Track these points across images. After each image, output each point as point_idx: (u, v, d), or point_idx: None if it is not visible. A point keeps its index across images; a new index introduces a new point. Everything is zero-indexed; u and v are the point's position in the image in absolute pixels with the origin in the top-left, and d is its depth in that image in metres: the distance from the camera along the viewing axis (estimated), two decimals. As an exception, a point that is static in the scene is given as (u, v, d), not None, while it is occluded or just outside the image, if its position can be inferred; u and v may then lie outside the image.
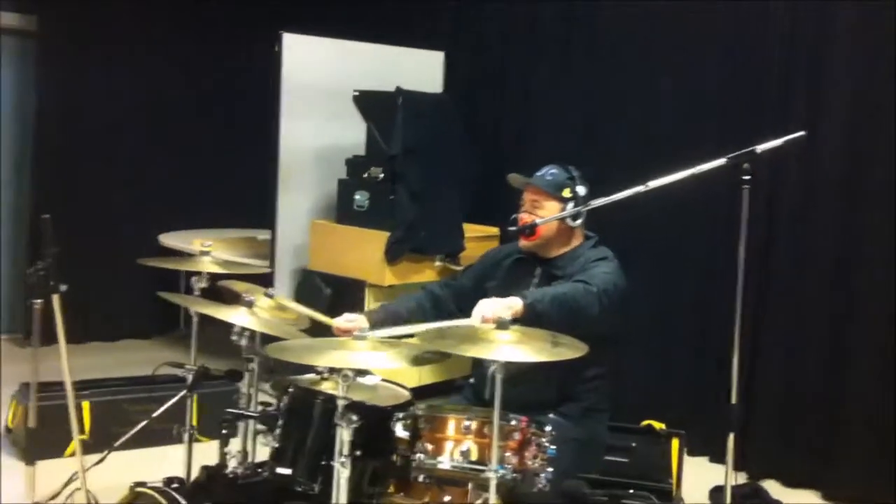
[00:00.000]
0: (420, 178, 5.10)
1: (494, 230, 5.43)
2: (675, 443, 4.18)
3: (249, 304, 2.93)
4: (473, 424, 2.46)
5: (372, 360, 2.39)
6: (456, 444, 2.45)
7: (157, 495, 2.60)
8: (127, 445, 3.64)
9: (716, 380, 4.37)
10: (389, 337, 2.55)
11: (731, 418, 3.06)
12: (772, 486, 4.58)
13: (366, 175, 5.18)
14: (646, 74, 5.25)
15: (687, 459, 4.55)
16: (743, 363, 4.12)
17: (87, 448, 4.34)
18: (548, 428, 2.56)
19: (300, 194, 5.57)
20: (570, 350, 2.36)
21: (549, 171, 3.19)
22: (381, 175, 5.12)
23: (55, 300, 2.41)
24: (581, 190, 3.15)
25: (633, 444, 4.20)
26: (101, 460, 2.98)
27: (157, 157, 6.73)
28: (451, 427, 2.48)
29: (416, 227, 5.09)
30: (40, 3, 6.27)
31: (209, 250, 3.27)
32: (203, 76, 6.80)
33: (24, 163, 6.56)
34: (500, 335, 2.35)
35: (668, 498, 3.91)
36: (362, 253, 5.16)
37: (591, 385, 3.11)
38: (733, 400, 3.05)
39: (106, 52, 6.48)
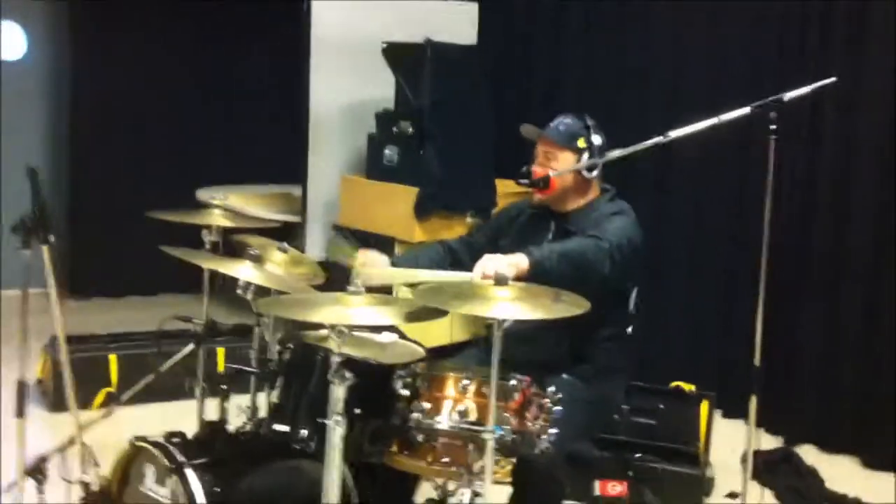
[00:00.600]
0: (449, 132, 4.98)
1: (530, 188, 5.29)
2: (704, 405, 4.07)
3: (255, 258, 2.86)
4: (472, 384, 2.37)
5: (365, 316, 2.31)
6: (454, 404, 2.36)
7: (153, 449, 2.56)
8: (146, 400, 3.61)
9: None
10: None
11: (753, 380, 2.94)
12: (809, 452, 4.45)
13: (395, 130, 5.09)
14: (677, 29, 5.06)
15: (722, 422, 4.45)
16: (780, 326, 4.06)
17: (114, 401, 4.40)
18: (551, 388, 2.45)
19: (331, 150, 5.51)
20: (571, 307, 2.25)
21: (562, 122, 3.05)
22: (410, 129, 5.02)
23: (45, 251, 2.36)
24: (596, 140, 3.01)
25: (661, 406, 4.10)
26: (106, 414, 2.95)
27: (193, 117, 6.72)
28: (449, 386, 2.39)
29: (446, 182, 4.98)
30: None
31: (219, 204, 3.20)
32: (235, 35, 6.75)
33: (62, 130, 6.62)
34: (498, 292, 2.24)
35: (694, 461, 3.80)
36: (391, 209, 5.08)
37: (605, 345, 2.99)
38: (756, 362, 2.93)
39: (142, 10, 6.46)
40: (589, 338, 2.95)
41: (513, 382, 2.37)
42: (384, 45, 5.12)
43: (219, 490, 2.49)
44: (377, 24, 5.37)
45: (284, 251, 3.25)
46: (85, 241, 6.50)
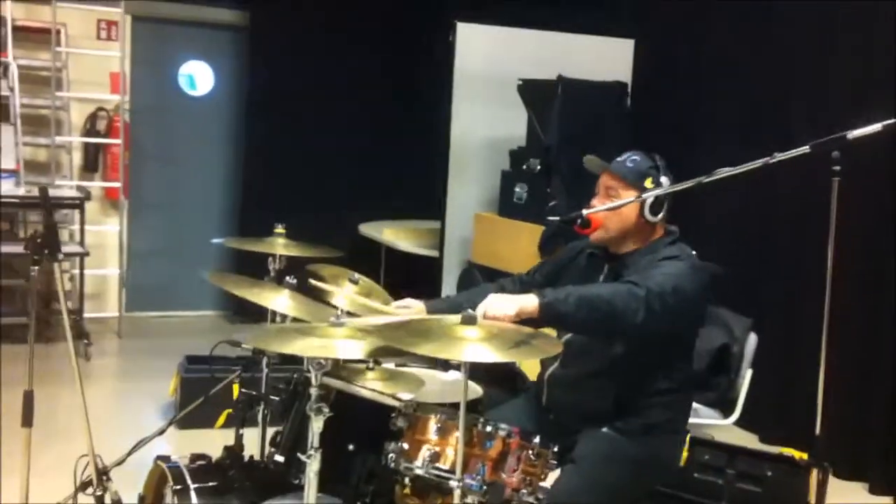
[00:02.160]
0: (576, 169, 4.82)
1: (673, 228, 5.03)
2: (813, 474, 3.66)
3: (291, 286, 2.88)
4: (445, 427, 2.25)
5: (340, 349, 2.26)
6: (430, 447, 2.26)
7: (164, 468, 2.63)
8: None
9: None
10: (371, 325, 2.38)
11: (814, 453, 2.61)
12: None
13: (524, 167, 5.01)
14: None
15: (840, 486, 4.03)
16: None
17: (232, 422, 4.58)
18: (535, 440, 2.28)
19: (469, 185, 5.51)
20: (536, 351, 2.09)
21: (631, 157, 2.86)
22: (538, 167, 4.92)
23: (56, 268, 2.49)
24: (664, 181, 2.80)
25: (769, 473, 3.74)
26: (160, 432, 3.05)
27: (351, 143, 6.92)
28: (429, 428, 2.29)
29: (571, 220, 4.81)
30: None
31: (282, 232, 3.27)
32: (389, 66, 6.92)
33: (238, 148, 7.01)
34: (465, 332, 2.12)
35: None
36: (519, 246, 4.99)
37: (657, 400, 2.75)
38: (817, 430, 2.60)
39: (305, 43, 6.79)
40: (638, 391, 2.74)
41: (488, 429, 2.23)
42: (519, 83, 5.07)
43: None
44: (528, 59, 5.33)
45: (355, 282, 3.27)
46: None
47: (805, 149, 2.52)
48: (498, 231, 5.20)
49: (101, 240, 6.63)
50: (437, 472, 2.22)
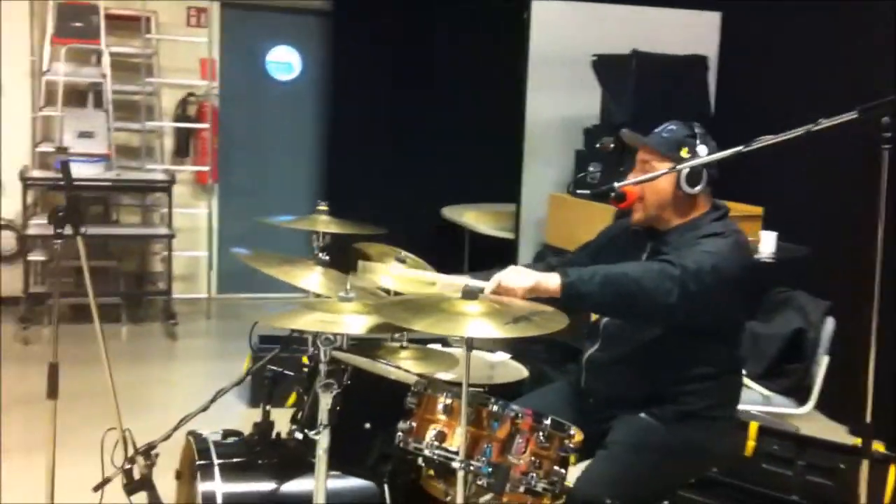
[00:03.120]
0: (651, 147, 4.66)
1: (758, 209, 4.81)
2: (892, 469, 3.44)
3: (323, 263, 2.86)
4: (453, 406, 2.18)
5: (347, 324, 2.21)
6: (437, 427, 2.19)
7: (192, 442, 2.64)
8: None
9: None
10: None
11: (863, 444, 2.43)
12: None
13: (598, 145, 4.85)
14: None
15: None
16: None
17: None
18: (546, 422, 2.17)
19: (545, 166, 5.38)
20: (537, 326, 1.99)
21: (667, 128, 2.72)
22: (612, 145, 4.76)
23: (79, 241, 2.52)
24: (702, 150, 2.64)
25: (842, 466, 3.53)
26: (202, 409, 3.06)
27: (432, 126, 6.87)
28: (437, 407, 2.22)
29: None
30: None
31: (324, 209, 3.24)
32: (466, 49, 6.84)
33: (323, 133, 7.08)
34: (466, 306, 2.04)
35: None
36: (592, 228, 4.79)
37: (694, 386, 2.60)
38: (867, 417, 2.41)
39: (385, 28, 6.80)
40: (674, 376, 2.60)
41: (495, 409, 2.15)
42: (593, 58, 4.92)
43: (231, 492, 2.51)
44: (607, 35, 5.16)
45: (402, 260, 3.22)
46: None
47: (853, 114, 2.33)
48: (571, 212, 5.06)
49: (193, 223, 6.78)
50: (441, 452, 2.14)
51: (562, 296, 2.31)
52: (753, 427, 3.67)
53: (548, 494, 2.14)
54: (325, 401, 2.24)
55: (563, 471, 2.18)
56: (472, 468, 2.09)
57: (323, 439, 2.26)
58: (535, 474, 2.12)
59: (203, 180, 6.78)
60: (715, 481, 3.55)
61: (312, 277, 2.81)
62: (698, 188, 2.63)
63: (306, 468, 2.48)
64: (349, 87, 6.79)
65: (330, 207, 6.68)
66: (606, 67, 4.87)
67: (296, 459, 2.55)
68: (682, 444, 2.60)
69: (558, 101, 5.30)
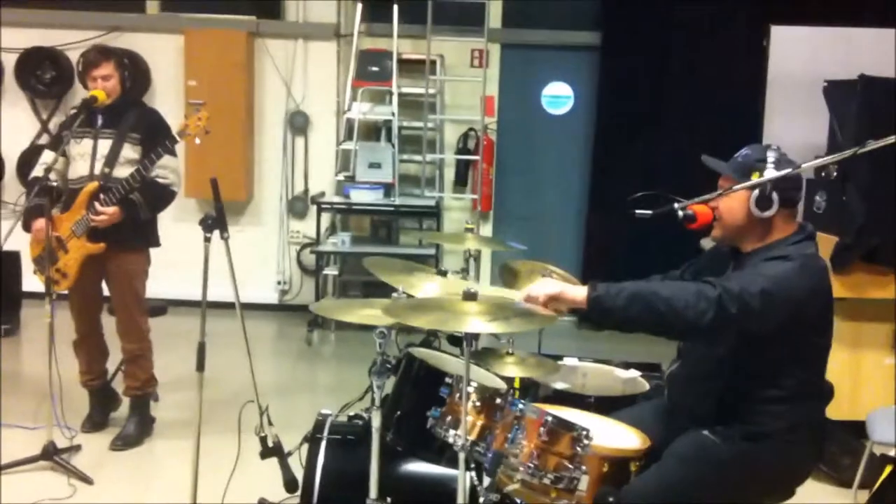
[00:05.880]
0: (874, 176, 4.40)
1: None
2: None
3: (442, 273, 3.17)
4: (474, 397, 2.39)
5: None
6: (455, 416, 2.42)
7: (317, 419, 3.06)
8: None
9: None
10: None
11: None
12: None
13: (822, 174, 4.66)
14: None
15: None
16: None
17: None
18: (549, 419, 2.31)
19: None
20: (531, 321, 2.16)
21: (743, 153, 2.72)
22: (835, 173, 4.55)
23: (226, 244, 3.01)
24: (770, 174, 2.59)
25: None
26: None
27: (683, 157, 6.77)
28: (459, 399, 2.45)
29: (868, 231, 4.40)
30: (605, 21, 6.99)
31: (471, 227, 3.55)
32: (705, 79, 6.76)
33: (589, 164, 7.31)
34: (466, 306, 2.26)
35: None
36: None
37: (764, 408, 2.57)
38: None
39: (649, 63, 6.93)
40: (742, 396, 2.60)
41: (498, 402, 2.34)
42: (825, 84, 4.74)
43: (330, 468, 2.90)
44: (841, 59, 4.97)
45: (548, 276, 3.45)
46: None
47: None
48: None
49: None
50: (450, 435, 2.38)
51: (588, 309, 2.42)
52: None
53: (554, 487, 2.29)
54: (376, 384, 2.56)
55: (577, 468, 2.31)
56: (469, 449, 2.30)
57: (375, 419, 2.57)
58: (535, 464, 2.28)
59: (479, 207, 7.29)
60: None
61: (430, 286, 3.13)
62: (769, 212, 2.61)
63: (396, 456, 2.83)
64: (613, 121, 6.98)
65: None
66: (835, 93, 4.67)
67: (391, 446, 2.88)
68: (741, 463, 2.58)
69: (795, 127, 5.14)
